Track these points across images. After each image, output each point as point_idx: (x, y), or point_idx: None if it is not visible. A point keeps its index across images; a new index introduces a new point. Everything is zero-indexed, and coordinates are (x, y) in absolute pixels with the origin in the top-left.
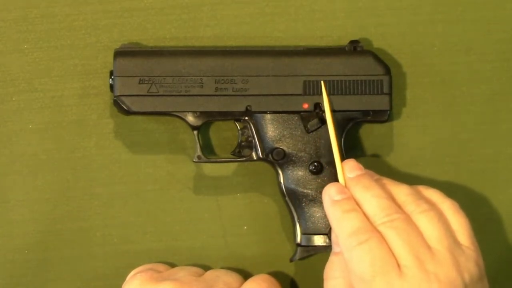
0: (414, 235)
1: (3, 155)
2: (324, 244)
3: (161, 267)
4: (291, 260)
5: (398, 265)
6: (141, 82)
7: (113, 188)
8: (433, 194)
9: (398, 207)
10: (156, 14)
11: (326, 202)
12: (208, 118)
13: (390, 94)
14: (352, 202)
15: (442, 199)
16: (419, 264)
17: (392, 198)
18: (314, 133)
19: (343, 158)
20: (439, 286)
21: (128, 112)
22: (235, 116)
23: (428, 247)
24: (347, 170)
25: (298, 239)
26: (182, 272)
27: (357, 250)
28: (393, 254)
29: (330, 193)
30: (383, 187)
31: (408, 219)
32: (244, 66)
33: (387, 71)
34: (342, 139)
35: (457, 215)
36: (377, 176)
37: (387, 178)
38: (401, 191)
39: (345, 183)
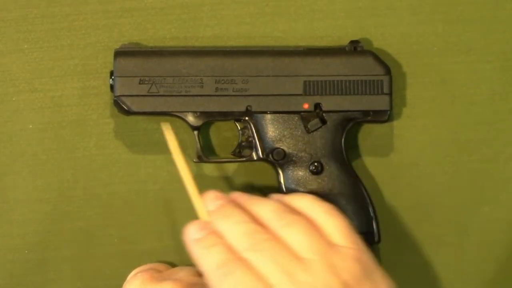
0: (280, 252)
1: (3, 155)
2: None
3: (161, 266)
4: None
5: (270, 286)
6: (141, 82)
7: (113, 188)
8: (304, 202)
9: (262, 227)
10: (156, 14)
11: (188, 242)
12: (208, 118)
13: (390, 94)
14: (214, 236)
15: (314, 205)
16: (289, 278)
17: (255, 221)
18: (314, 133)
19: (337, 157)
20: None
21: (128, 112)
22: (235, 116)
23: (298, 259)
24: (208, 203)
25: None
26: (183, 272)
27: (224, 284)
28: (261, 277)
29: (190, 233)
30: (246, 211)
31: (273, 238)
32: (244, 66)
33: (387, 71)
34: (342, 139)
35: (331, 217)
36: (245, 197)
37: (256, 196)
38: (265, 209)
39: (207, 217)
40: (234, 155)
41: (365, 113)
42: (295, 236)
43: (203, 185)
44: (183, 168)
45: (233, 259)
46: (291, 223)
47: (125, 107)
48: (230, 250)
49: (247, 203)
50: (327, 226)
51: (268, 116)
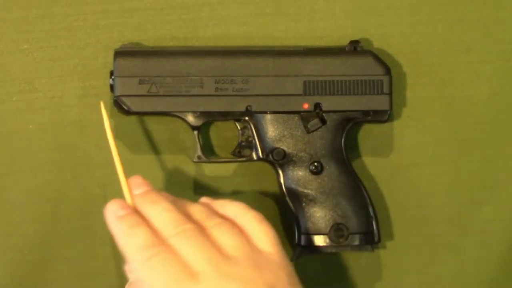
0: (207, 243)
1: (3, 155)
2: (324, 244)
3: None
4: (291, 260)
5: (194, 273)
6: (141, 82)
7: (113, 188)
8: (233, 208)
9: (189, 220)
10: (156, 14)
11: (110, 219)
12: (208, 118)
13: (390, 94)
14: (138, 216)
15: (244, 212)
16: (214, 267)
17: (182, 212)
18: (314, 133)
19: (337, 157)
20: (240, 284)
21: (128, 112)
22: (235, 116)
23: (224, 254)
24: (134, 186)
25: (298, 239)
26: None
27: (146, 266)
28: (186, 263)
29: (113, 209)
30: (174, 203)
31: (199, 229)
32: (244, 66)
33: (387, 71)
34: (342, 139)
35: (260, 224)
36: (172, 198)
37: (182, 199)
38: (194, 210)
39: (132, 200)
40: (234, 155)
41: (365, 113)
42: (221, 235)
43: (203, 185)
44: (114, 149)
45: (157, 243)
46: (219, 224)
47: (125, 107)
48: (155, 233)
49: (177, 202)
50: (254, 233)
51: (268, 116)
